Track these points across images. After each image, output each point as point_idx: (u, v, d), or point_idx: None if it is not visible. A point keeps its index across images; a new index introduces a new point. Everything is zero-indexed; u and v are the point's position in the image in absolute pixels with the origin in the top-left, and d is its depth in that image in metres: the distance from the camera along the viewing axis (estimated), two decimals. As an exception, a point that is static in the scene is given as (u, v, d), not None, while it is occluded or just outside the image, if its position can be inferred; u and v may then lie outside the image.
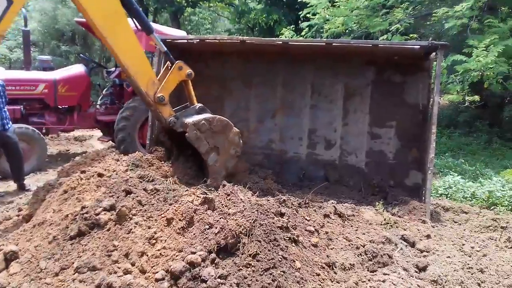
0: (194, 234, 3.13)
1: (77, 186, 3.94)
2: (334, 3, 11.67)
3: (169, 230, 3.22)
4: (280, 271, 2.81)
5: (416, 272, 3.44)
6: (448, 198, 6.13)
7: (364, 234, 4.04)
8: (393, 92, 5.97)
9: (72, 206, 3.63)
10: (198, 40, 5.85)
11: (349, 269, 3.33)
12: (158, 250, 3.04)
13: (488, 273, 3.50)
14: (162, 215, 3.38)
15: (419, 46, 5.31)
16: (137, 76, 4.64)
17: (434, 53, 5.39)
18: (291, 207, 3.89)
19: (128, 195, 3.59)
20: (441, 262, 3.61)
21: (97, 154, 5.43)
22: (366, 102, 6.08)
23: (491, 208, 5.68)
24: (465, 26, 9.26)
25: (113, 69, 9.02)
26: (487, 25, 8.94)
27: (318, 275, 3.05)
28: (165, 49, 5.03)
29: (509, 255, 3.85)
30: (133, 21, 4.83)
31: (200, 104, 5.06)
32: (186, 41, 6.05)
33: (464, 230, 4.62)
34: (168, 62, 5.03)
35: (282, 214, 3.43)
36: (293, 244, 3.18)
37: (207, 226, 3.15)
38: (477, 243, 4.13)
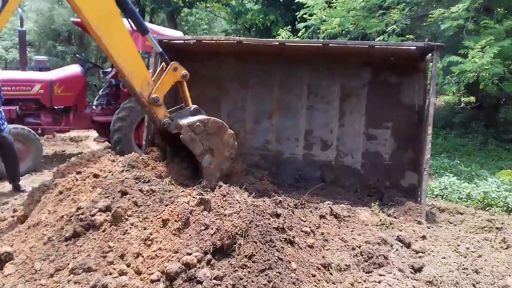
0: (190, 235, 3.13)
1: (72, 187, 3.93)
2: (331, 4, 11.69)
3: (164, 231, 3.21)
4: (276, 272, 2.81)
5: (412, 273, 3.45)
6: (444, 199, 6.15)
7: (360, 235, 4.04)
8: (389, 93, 5.98)
9: (68, 207, 3.62)
10: (194, 41, 5.84)
11: (344, 270, 3.33)
12: (154, 251, 3.03)
13: (483, 273, 3.51)
14: (158, 216, 3.37)
15: (415, 47, 5.32)
16: (132, 76, 4.61)
17: (430, 54, 5.40)
18: (287, 208, 3.90)
19: (124, 196, 3.57)
20: (436, 263, 3.62)
21: (93, 155, 5.41)
22: (362, 103, 6.09)
23: (487, 209, 5.70)
24: (461, 27, 9.29)
25: (109, 69, 9.00)
26: (483, 26, 8.98)
27: (314, 276, 3.05)
28: (160, 50, 5.00)
29: (504, 256, 3.87)
30: (128, 21, 4.81)
31: (195, 106, 5.03)
32: (182, 41, 6.04)
33: (459, 231, 4.64)
34: (163, 63, 5.02)
35: (278, 215, 3.43)
36: (289, 245, 3.18)
37: (203, 227, 3.15)
38: (472, 244, 4.14)
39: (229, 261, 2.87)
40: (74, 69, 8.51)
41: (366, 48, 5.53)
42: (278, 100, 6.31)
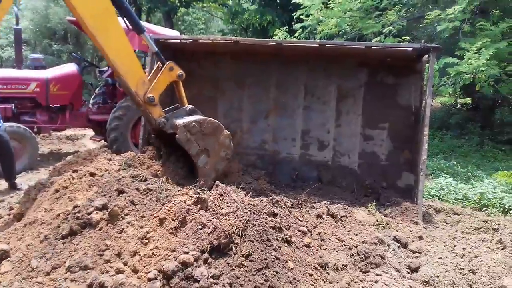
0: (186, 234, 3.12)
1: (69, 185, 3.92)
2: (328, 5, 11.71)
3: (161, 230, 3.20)
4: (273, 271, 2.81)
5: (408, 273, 3.46)
6: (440, 199, 6.17)
7: (356, 235, 4.05)
8: (386, 94, 6.00)
9: (64, 205, 3.61)
10: (191, 40, 5.83)
11: (341, 270, 3.33)
12: (151, 249, 3.02)
13: (479, 274, 3.53)
14: (155, 215, 3.36)
15: (411, 49, 5.34)
16: (127, 75, 4.58)
17: (426, 56, 5.42)
18: (284, 207, 3.89)
19: (121, 195, 3.57)
20: (433, 263, 3.63)
21: (89, 153, 5.40)
22: (359, 103, 6.11)
23: (483, 209, 5.72)
24: (457, 29, 9.34)
25: (105, 68, 8.97)
26: (479, 28, 9.02)
27: (311, 275, 3.05)
28: (156, 49, 4.98)
29: (500, 257, 3.88)
30: (123, 20, 4.79)
31: (190, 106, 5.01)
32: (179, 41, 6.03)
33: (455, 231, 4.65)
34: (159, 63, 5.00)
35: (275, 215, 3.43)
36: (286, 245, 3.18)
37: (200, 226, 3.14)
38: (468, 244, 4.15)
39: (226, 260, 2.86)
40: (70, 68, 8.49)
41: (362, 49, 5.54)
42: (275, 100, 6.31)
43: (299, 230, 3.60)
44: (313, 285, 2.97)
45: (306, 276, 3.02)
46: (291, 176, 6.14)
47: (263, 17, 17.95)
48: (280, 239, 3.17)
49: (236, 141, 6.19)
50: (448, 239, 4.31)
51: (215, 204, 3.48)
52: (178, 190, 3.78)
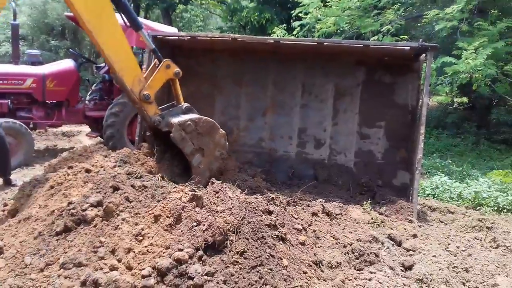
0: (181, 231, 3.12)
1: (64, 182, 3.91)
2: (326, 3, 11.71)
3: (156, 227, 3.20)
4: (267, 269, 2.81)
5: (402, 270, 3.47)
6: (435, 198, 6.19)
7: (351, 232, 4.06)
8: (383, 92, 6.01)
9: (59, 202, 3.60)
10: (189, 37, 5.83)
11: (336, 267, 3.34)
12: (145, 246, 3.02)
13: (473, 272, 3.54)
14: (150, 212, 3.36)
15: (409, 47, 5.35)
16: (123, 72, 4.55)
17: (424, 55, 5.43)
18: (280, 205, 3.90)
19: (116, 191, 3.56)
20: (427, 261, 3.64)
21: (85, 149, 5.38)
22: (356, 102, 6.12)
23: (477, 208, 5.75)
24: (455, 29, 9.35)
25: (102, 64, 8.95)
26: (477, 28, 9.04)
27: (305, 273, 3.06)
28: (153, 46, 4.95)
29: (494, 255, 3.90)
30: (121, 16, 4.77)
31: (186, 104, 4.98)
32: (177, 37, 6.02)
33: (450, 230, 4.67)
34: (156, 60, 4.98)
35: (270, 212, 3.44)
36: (281, 242, 3.18)
37: (195, 223, 3.14)
38: (462, 242, 4.17)
39: (220, 258, 2.86)
40: (67, 64, 8.47)
41: (360, 47, 5.54)
42: (272, 98, 6.31)
43: (294, 228, 3.60)
44: (307, 282, 2.98)
45: (300, 273, 3.02)
46: (287, 174, 6.15)
47: (261, 14, 17.92)
48: (275, 236, 3.17)
49: (233, 139, 6.19)
50: (442, 237, 4.32)
51: (210, 202, 3.48)
52: (174, 187, 3.78)
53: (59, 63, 8.73)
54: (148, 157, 4.79)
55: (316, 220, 4.08)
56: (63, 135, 10.89)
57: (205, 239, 2.95)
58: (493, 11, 10.43)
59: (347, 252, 3.58)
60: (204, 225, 3.08)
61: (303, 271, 3.06)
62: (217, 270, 2.76)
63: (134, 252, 2.99)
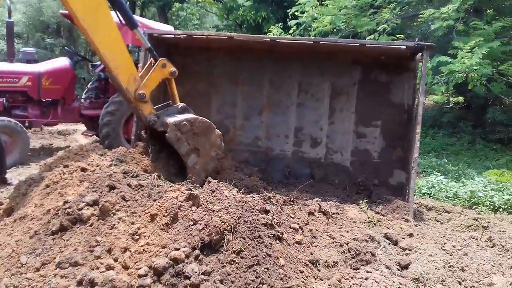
0: (178, 230, 3.11)
1: (59, 181, 3.88)
2: (323, 2, 11.73)
3: (152, 226, 3.19)
4: (264, 268, 2.81)
5: (398, 270, 3.48)
6: (431, 197, 6.21)
7: (348, 232, 4.06)
8: (379, 91, 6.02)
9: (55, 201, 3.58)
10: (185, 36, 5.81)
11: (332, 267, 3.35)
12: (142, 246, 3.01)
13: (468, 271, 3.55)
14: (146, 211, 3.35)
15: (405, 47, 5.36)
16: (118, 71, 4.50)
17: (420, 54, 5.44)
18: (276, 204, 3.89)
19: (112, 190, 3.54)
20: (423, 260, 3.65)
21: (80, 148, 5.35)
22: (352, 101, 6.12)
23: (473, 207, 5.77)
24: (451, 28, 9.39)
25: (98, 62, 8.91)
26: (473, 27, 9.08)
27: (302, 272, 3.06)
28: (149, 45, 4.90)
29: (490, 254, 3.92)
30: (116, 14, 4.73)
31: (182, 104, 4.93)
32: (173, 36, 6.01)
33: (446, 229, 4.68)
34: (151, 59, 4.94)
35: (267, 211, 3.43)
36: (277, 241, 3.18)
37: (191, 223, 3.13)
38: (458, 242, 4.18)
39: (217, 257, 2.86)
40: (62, 62, 8.42)
41: (356, 46, 5.55)
42: (268, 96, 6.31)
43: (290, 227, 3.60)
44: (304, 281, 2.98)
45: (297, 272, 3.02)
46: (283, 173, 6.15)
47: (258, 13, 17.92)
48: (272, 236, 3.17)
49: (229, 138, 6.19)
50: (438, 236, 4.33)
51: (207, 201, 3.47)
52: (170, 186, 3.77)
53: (54, 61, 8.68)
54: (144, 156, 4.77)
55: (312, 219, 4.09)
56: (59, 134, 10.84)
57: (202, 239, 2.94)
58: (488, 11, 10.47)
59: (344, 251, 3.59)
60: (200, 224, 3.07)
61: (299, 270, 3.07)
62: (213, 270, 2.75)
63: (130, 251, 2.98)
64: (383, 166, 5.98)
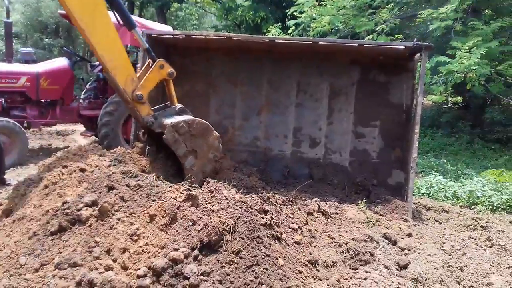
0: (177, 230, 3.11)
1: (58, 181, 3.88)
2: (321, 2, 11.73)
3: (151, 227, 3.19)
4: (263, 268, 2.81)
5: (397, 270, 3.48)
6: (430, 197, 6.22)
7: (346, 232, 4.06)
8: (378, 92, 6.02)
9: (53, 201, 3.58)
10: (184, 36, 5.81)
11: (331, 267, 3.35)
12: (140, 246, 3.01)
13: (467, 271, 3.55)
14: (145, 212, 3.35)
15: (404, 47, 5.36)
16: (115, 71, 4.47)
17: (418, 54, 5.45)
18: (275, 204, 3.89)
19: (111, 191, 3.54)
20: (421, 260, 3.65)
21: (79, 149, 5.34)
22: (351, 101, 6.13)
23: (472, 207, 5.78)
24: (449, 28, 9.40)
25: (97, 63, 8.89)
26: (471, 27, 9.09)
27: (301, 272, 3.06)
28: (147, 46, 4.88)
29: (488, 254, 3.92)
30: (114, 15, 4.72)
31: (180, 105, 4.90)
32: (171, 36, 6.00)
33: (445, 229, 4.69)
34: (149, 59, 4.92)
35: (266, 212, 3.43)
36: (276, 242, 3.18)
37: (190, 223, 3.13)
38: (457, 242, 4.18)
39: (216, 257, 2.86)
40: (61, 62, 8.42)
41: (355, 46, 5.56)
42: (267, 97, 6.31)
43: (289, 227, 3.60)
44: (303, 282, 2.98)
45: (296, 273, 3.03)
46: (282, 173, 6.15)
47: (256, 13, 17.93)
48: (271, 236, 3.17)
49: (228, 138, 6.19)
50: (437, 236, 4.34)
51: (206, 201, 3.47)
52: (169, 187, 3.76)
53: (53, 62, 8.68)
54: (143, 157, 4.76)
55: (311, 220, 4.08)
56: (58, 134, 10.83)
57: (201, 239, 2.94)
58: (487, 11, 10.49)
59: (343, 252, 3.59)
60: (199, 224, 3.07)
61: (298, 270, 3.07)
62: (212, 270, 2.75)
63: (129, 252, 2.98)
64: (382, 166, 5.99)
